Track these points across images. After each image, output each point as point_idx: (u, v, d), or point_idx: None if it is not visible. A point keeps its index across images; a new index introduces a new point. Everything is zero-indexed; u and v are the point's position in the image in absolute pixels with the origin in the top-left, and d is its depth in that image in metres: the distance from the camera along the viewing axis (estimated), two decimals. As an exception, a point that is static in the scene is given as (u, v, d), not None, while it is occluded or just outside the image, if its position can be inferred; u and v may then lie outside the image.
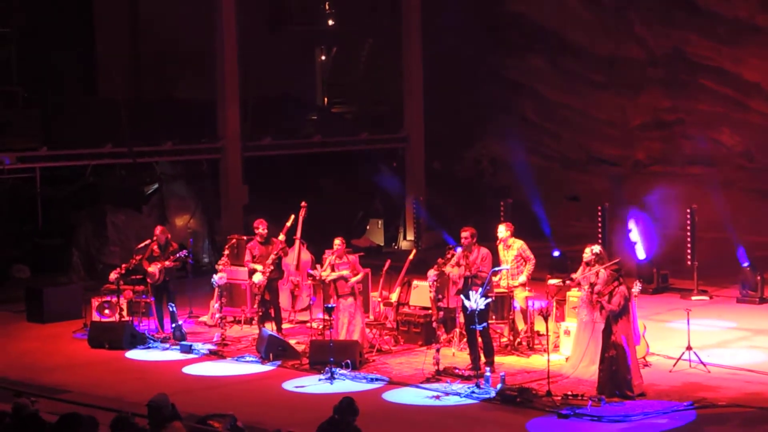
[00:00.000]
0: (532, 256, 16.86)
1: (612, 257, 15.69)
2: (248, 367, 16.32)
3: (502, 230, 16.95)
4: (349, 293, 16.43)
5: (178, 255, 18.16)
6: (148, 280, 18.23)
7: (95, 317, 18.73)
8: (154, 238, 18.37)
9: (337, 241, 16.69)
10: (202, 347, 17.34)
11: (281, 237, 18.35)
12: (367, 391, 14.65)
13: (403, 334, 17.35)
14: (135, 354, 17.32)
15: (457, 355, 16.23)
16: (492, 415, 13.69)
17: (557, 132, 29.88)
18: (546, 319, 14.98)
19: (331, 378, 15.14)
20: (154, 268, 18.09)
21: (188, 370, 16.32)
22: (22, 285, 22.13)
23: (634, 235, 21.49)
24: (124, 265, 18.53)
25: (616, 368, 13.89)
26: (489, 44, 30.04)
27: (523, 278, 16.74)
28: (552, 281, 17.25)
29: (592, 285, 14.75)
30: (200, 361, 16.80)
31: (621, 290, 14.00)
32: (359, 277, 16.53)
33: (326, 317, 16.15)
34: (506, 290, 16.63)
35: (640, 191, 26.52)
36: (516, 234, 17.33)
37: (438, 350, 15.38)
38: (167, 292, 18.25)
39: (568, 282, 16.62)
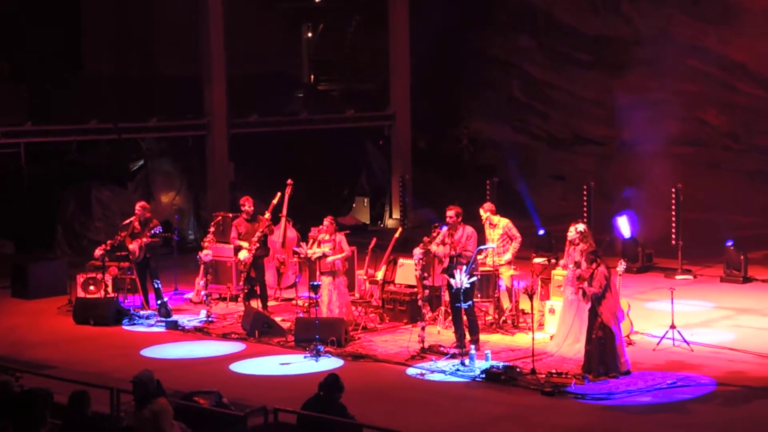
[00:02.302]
0: (518, 235, 16.93)
1: (599, 240, 15.70)
2: (233, 344, 16.32)
3: (482, 213, 17.04)
4: (328, 271, 16.43)
5: (152, 231, 18.00)
6: (131, 257, 18.17)
7: (80, 293, 18.70)
8: (136, 214, 18.28)
9: (326, 220, 16.68)
10: (188, 323, 17.35)
11: (267, 214, 18.33)
12: (352, 369, 14.68)
13: (389, 312, 17.37)
14: (120, 330, 17.32)
15: (442, 333, 16.27)
16: (477, 393, 13.75)
17: (544, 111, 29.89)
18: (531, 298, 15.03)
19: (317, 355, 15.16)
20: (134, 245, 18.01)
21: (172, 347, 16.32)
22: (7, 261, 22.07)
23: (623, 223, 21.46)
24: (109, 242, 18.45)
25: (603, 349, 13.94)
26: (476, 23, 30.00)
27: (508, 256, 16.80)
28: (537, 260, 17.30)
29: (576, 263, 14.78)
30: (185, 337, 16.80)
31: (600, 271, 14.00)
32: (339, 256, 16.49)
33: (312, 295, 16.17)
34: (491, 269, 16.67)
35: (626, 171, 26.61)
36: (501, 212, 17.37)
37: (423, 328, 15.40)
38: (149, 269, 18.17)
39: (553, 261, 16.67)
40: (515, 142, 29.51)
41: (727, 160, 26.94)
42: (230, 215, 19.48)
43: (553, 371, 14.03)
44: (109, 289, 18.38)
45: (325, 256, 16.43)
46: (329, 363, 14.92)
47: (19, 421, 6.99)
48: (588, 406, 13.08)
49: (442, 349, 15.29)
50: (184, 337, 16.87)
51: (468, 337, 15.33)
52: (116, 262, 18.63)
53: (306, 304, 17.09)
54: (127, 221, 18.56)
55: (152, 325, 17.44)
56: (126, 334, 17.16)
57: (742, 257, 20.13)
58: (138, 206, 18.41)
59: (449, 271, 15.13)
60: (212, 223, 19.27)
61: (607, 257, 14.97)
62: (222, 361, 15.54)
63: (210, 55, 25.90)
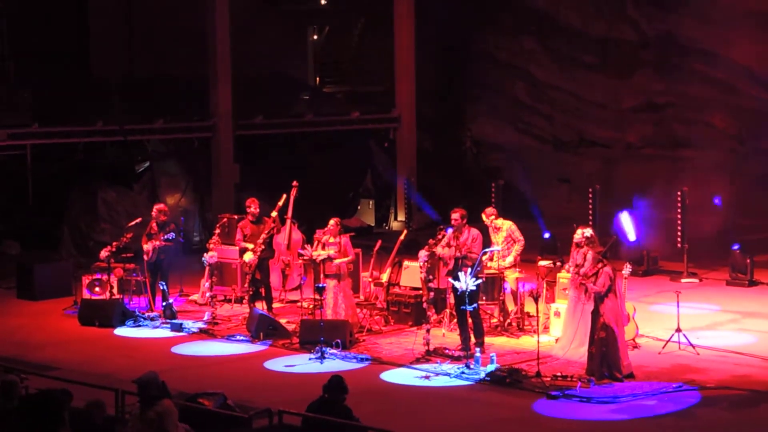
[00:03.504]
0: (521, 237, 16.89)
1: (603, 240, 15.69)
2: (238, 346, 16.33)
3: (484, 218, 17.03)
4: (333, 274, 16.43)
5: (165, 236, 18.03)
6: (144, 257, 18.20)
7: (85, 295, 18.71)
8: (153, 216, 18.30)
9: (332, 221, 16.70)
10: (193, 326, 17.35)
11: (273, 214, 18.34)
12: (357, 371, 14.67)
13: (394, 315, 17.37)
14: (125, 332, 17.34)
15: (447, 336, 16.26)
16: (481, 396, 13.74)
17: (549, 114, 29.85)
18: (536, 301, 15.02)
19: (321, 357, 15.16)
20: (148, 246, 18.06)
21: (178, 348, 16.33)
22: (12, 261, 22.10)
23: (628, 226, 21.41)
24: (114, 243, 18.50)
25: (606, 350, 13.94)
26: (481, 25, 29.99)
27: (510, 259, 16.74)
28: (542, 263, 17.28)
29: (577, 266, 14.75)
30: (190, 339, 16.80)
31: (605, 271, 14.01)
32: (345, 259, 16.50)
33: (317, 297, 16.17)
34: (497, 271, 16.65)
35: (631, 174, 26.57)
36: (506, 215, 17.35)
37: (428, 331, 15.40)
38: (161, 270, 18.20)
39: (558, 264, 16.64)
40: (520, 145, 29.48)
41: (732, 163, 26.89)
42: (235, 217, 19.49)
43: (558, 374, 14.02)
44: (115, 290, 18.40)
45: (330, 258, 16.43)
46: (334, 365, 14.91)
47: (37, 423, 6.96)
48: (593, 409, 13.06)
49: (447, 351, 15.28)
50: (189, 338, 16.86)
51: (473, 339, 15.32)
52: (122, 264, 18.65)
53: (311, 306, 17.10)
54: (134, 222, 18.58)
55: (157, 327, 17.45)
56: (130, 336, 17.15)
57: (748, 260, 20.11)
58: (155, 209, 18.45)
59: (454, 274, 15.13)
60: (217, 225, 19.27)
61: (612, 260, 14.94)
62: (226, 362, 15.55)
63: (216, 56, 25.91)
